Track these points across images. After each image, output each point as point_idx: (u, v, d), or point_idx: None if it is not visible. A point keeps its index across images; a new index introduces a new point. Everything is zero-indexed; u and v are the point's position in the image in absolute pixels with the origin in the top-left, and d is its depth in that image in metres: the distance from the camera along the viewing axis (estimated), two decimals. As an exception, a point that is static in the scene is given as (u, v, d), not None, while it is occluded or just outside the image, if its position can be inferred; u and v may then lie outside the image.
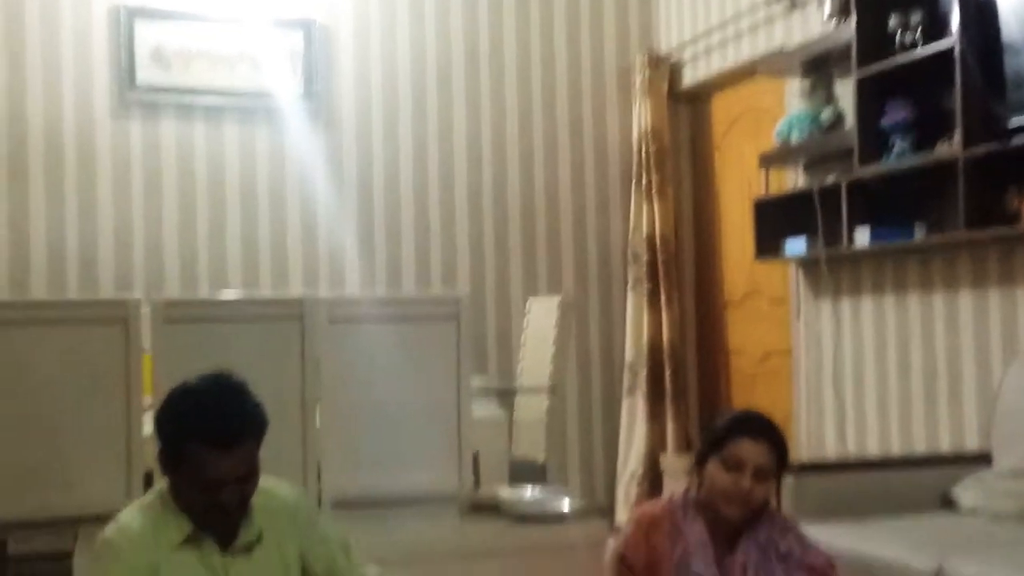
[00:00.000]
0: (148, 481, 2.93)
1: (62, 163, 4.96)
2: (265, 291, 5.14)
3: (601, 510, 5.11)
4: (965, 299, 3.90)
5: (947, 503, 3.28)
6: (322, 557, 2.20)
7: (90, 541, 2.25)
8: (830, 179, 4.25)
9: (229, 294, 4.84)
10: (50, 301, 4.34)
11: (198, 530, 2.03)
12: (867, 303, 4.38)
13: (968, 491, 3.25)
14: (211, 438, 1.97)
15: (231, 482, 2.00)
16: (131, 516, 2.05)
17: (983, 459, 3.34)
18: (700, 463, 2.37)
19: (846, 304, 4.50)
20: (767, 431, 2.33)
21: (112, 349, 3.03)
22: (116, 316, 3.06)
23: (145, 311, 3.11)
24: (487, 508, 3.14)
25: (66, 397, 3.02)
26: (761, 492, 2.30)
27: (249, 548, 2.08)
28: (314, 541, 2.20)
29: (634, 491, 5.39)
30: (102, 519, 2.09)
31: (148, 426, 3.00)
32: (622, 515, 5.27)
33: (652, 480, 5.37)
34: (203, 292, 5.04)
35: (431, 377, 3.32)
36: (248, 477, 2.03)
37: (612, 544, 2.48)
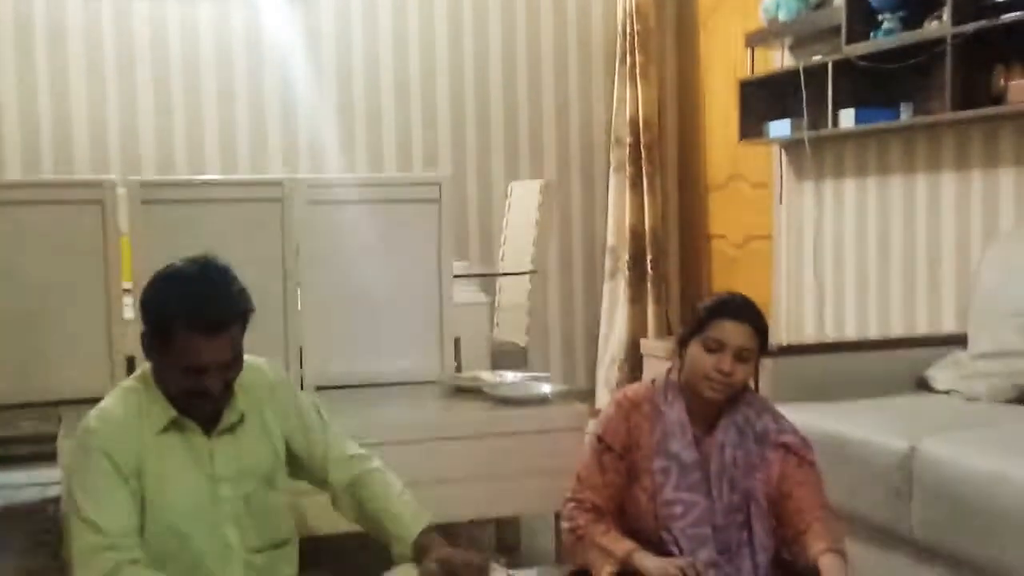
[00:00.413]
0: (130, 365, 2.93)
1: (32, 43, 4.84)
2: (243, 174, 5.08)
3: (582, 393, 5.18)
4: (948, 181, 3.89)
5: (922, 385, 3.33)
6: (302, 435, 2.22)
7: (73, 424, 2.26)
8: (816, 58, 4.19)
9: (208, 176, 4.78)
10: (24, 182, 4.28)
11: (181, 415, 2.04)
12: (850, 186, 4.37)
13: (943, 372, 3.29)
14: (197, 323, 1.95)
15: (215, 367, 1.99)
16: (113, 402, 2.05)
17: (959, 341, 3.38)
18: (682, 345, 2.39)
19: (829, 187, 4.49)
20: (748, 313, 2.33)
21: (89, 231, 3.00)
22: (92, 197, 3.01)
23: (121, 193, 3.07)
24: (468, 392, 3.16)
25: (44, 280, 3.00)
26: (742, 373, 2.32)
27: (232, 429, 2.10)
28: (294, 419, 2.22)
29: (615, 375, 5.45)
30: (85, 403, 2.09)
31: (128, 310, 3.00)
32: (603, 398, 5.34)
33: (633, 364, 5.43)
34: (180, 175, 4.98)
35: (413, 260, 3.32)
36: (232, 363, 2.03)
37: (592, 426, 2.50)
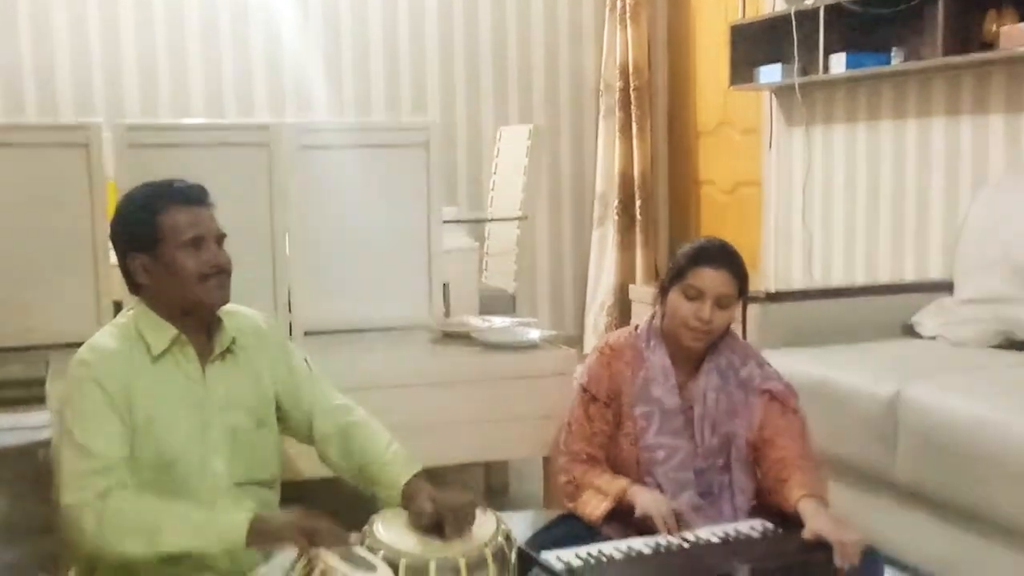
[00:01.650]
0: (117, 310, 2.92)
1: (13, -17, 4.77)
2: (229, 119, 5.04)
3: (570, 339, 5.20)
4: (938, 127, 3.89)
5: (908, 331, 3.35)
6: (292, 387, 2.23)
7: (61, 367, 2.26)
8: (808, 3, 4.16)
9: (195, 120, 4.74)
10: (8, 124, 4.23)
11: (179, 335, 2.06)
12: (839, 132, 4.36)
13: (929, 318, 3.31)
14: (178, 197, 2.05)
15: (213, 239, 2.06)
16: (105, 337, 2.07)
17: (945, 287, 3.40)
18: (663, 292, 2.39)
19: (819, 133, 4.48)
20: (727, 259, 2.32)
21: (74, 175, 2.97)
22: (77, 140, 2.98)
23: (107, 136, 3.04)
24: (457, 337, 3.16)
25: (29, 224, 2.98)
26: (722, 320, 2.32)
27: (223, 358, 2.13)
28: (284, 371, 2.23)
29: (603, 321, 5.47)
30: (73, 347, 2.09)
31: (115, 255, 2.99)
32: (591, 344, 5.36)
33: (621, 310, 5.45)
34: (164, 119, 4.93)
35: (401, 206, 3.30)
36: (222, 240, 2.09)
37: (580, 369, 2.51)
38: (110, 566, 2.04)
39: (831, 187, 4.42)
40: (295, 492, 2.30)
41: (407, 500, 2.13)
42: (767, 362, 2.43)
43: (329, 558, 1.89)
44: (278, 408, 2.23)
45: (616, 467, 2.38)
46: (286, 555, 2.01)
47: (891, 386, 2.72)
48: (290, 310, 3.18)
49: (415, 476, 2.16)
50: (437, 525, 2.09)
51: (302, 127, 3.36)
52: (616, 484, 2.29)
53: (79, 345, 2.07)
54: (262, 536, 1.93)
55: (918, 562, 2.67)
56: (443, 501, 2.09)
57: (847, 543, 2.02)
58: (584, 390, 2.40)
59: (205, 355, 2.11)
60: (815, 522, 2.08)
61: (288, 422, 2.25)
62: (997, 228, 3.26)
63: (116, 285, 2.82)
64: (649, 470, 2.32)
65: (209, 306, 2.09)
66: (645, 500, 2.22)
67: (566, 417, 2.46)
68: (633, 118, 5.46)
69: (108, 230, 2.97)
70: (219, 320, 2.13)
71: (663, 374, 2.36)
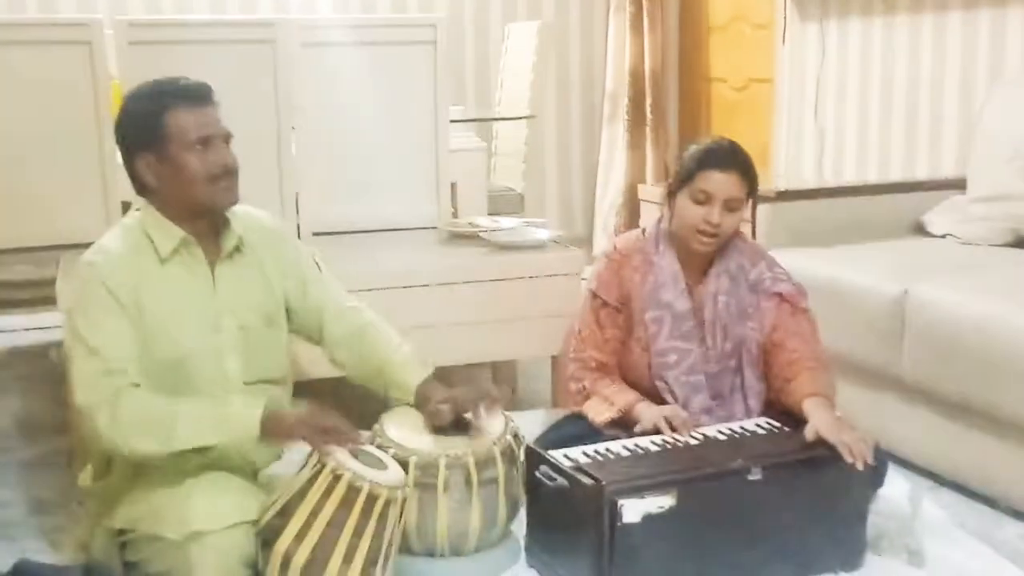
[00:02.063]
0: (125, 211, 2.92)
1: None
2: (232, 15, 4.95)
3: (579, 239, 5.18)
4: (954, 21, 3.80)
5: (919, 229, 3.33)
6: (300, 287, 2.24)
7: (72, 268, 2.26)
8: None
9: (198, 16, 4.66)
10: (7, 22, 4.16)
11: (186, 237, 2.06)
12: (854, 26, 4.27)
13: (940, 217, 3.29)
14: (188, 95, 2.02)
15: (219, 139, 2.05)
16: (112, 237, 2.07)
17: (958, 185, 3.36)
18: (670, 196, 2.36)
19: (833, 28, 4.39)
20: (736, 161, 2.28)
21: (77, 73, 2.94)
22: (79, 38, 2.94)
23: (109, 34, 2.99)
24: (465, 237, 3.16)
25: (34, 124, 2.96)
26: (731, 223, 2.29)
27: (232, 257, 2.13)
28: (292, 270, 2.23)
29: (612, 220, 5.44)
30: (83, 247, 2.09)
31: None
32: (600, 244, 5.35)
33: (631, 210, 5.42)
34: (166, 15, 4.85)
35: (408, 104, 3.27)
36: (230, 140, 2.07)
37: (589, 274, 2.50)
38: (125, 463, 2.07)
39: (844, 84, 4.35)
40: (306, 392, 2.33)
41: (421, 401, 2.15)
42: (777, 263, 2.42)
43: (340, 456, 1.92)
44: (287, 307, 2.23)
45: (627, 372, 2.38)
46: (298, 453, 2.05)
47: (899, 285, 2.72)
48: (297, 211, 3.17)
49: (429, 379, 2.18)
50: (453, 424, 2.13)
51: (306, 24, 3.30)
52: (624, 397, 2.30)
53: (89, 245, 2.08)
54: (274, 431, 1.96)
55: (922, 460, 2.70)
56: (460, 397, 2.12)
57: (846, 443, 2.03)
58: (595, 296, 2.39)
59: (213, 256, 2.11)
60: (816, 422, 2.09)
61: (297, 321, 2.26)
62: (1011, 124, 3.21)
63: (124, 184, 2.81)
64: (660, 374, 2.33)
65: (218, 208, 2.08)
66: (646, 416, 2.22)
67: (576, 324, 2.46)
68: (644, 12, 5.35)
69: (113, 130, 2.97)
70: (227, 220, 2.12)
71: (672, 278, 2.35)
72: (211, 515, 1.89)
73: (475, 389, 2.16)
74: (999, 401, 2.43)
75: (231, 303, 2.11)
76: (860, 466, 2.02)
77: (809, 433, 2.08)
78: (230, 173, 2.06)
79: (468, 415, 2.12)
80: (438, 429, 2.13)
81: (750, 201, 2.37)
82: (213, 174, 2.03)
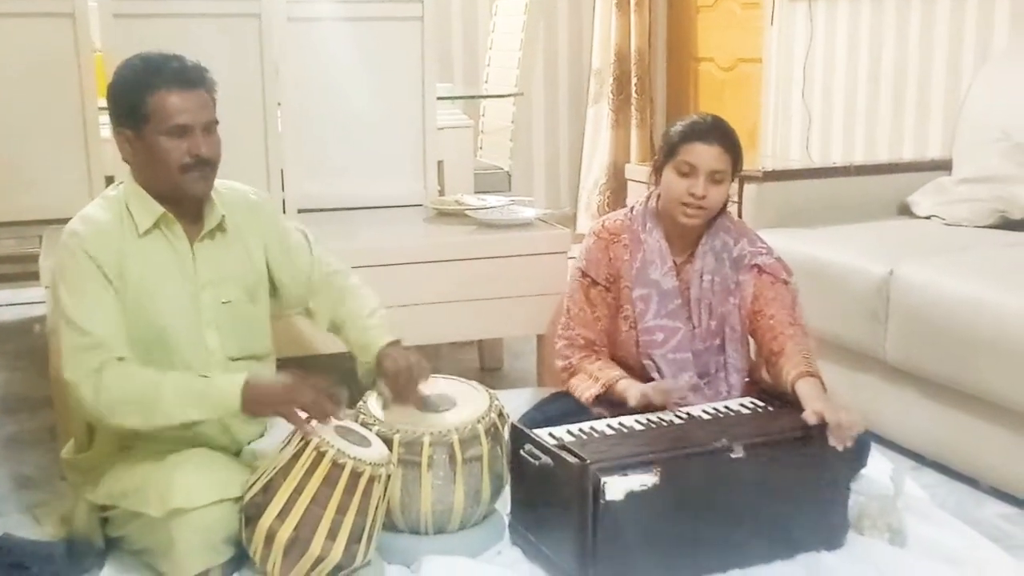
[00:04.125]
0: (109, 185, 2.90)
1: None
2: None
3: (565, 217, 5.18)
4: (942, 2, 3.79)
5: (905, 210, 3.34)
6: (284, 258, 2.23)
7: (54, 244, 2.25)
8: None
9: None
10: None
11: (165, 214, 2.05)
12: (843, 6, 4.26)
13: (925, 198, 3.29)
14: (169, 78, 1.99)
15: (200, 128, 2.01)
16: (95, 208, 2.07)
17: (944, 166, 3.37)
18: (657, 172, 2.37)
19: (821, 8, 4.38)
20: (719, 134, 2.30)
21: (60, 46, 2.91)
22: (62, 10, 2.90)
23: (93, 6, 2.96)
24: (452, 215, 3.15)
25: (17, 98, 2.93)
26: (716, 196, 2.30)
27: (213, 235, 2.12)
28: (276, 242, 2.22)
29: (597, 199, 5.44)
30: (65, 222, 2.08)
31: (105, 129, 2.95)
32: (585, 223, 5.34)
33: (616, 189, 5.41)
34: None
35: (395, 81, 3.25)
36: (213, 128, 2.04)
37: (576, 253, 2.50)
38: (107, 436, 2.07)
39: (832, 64, 4.34)
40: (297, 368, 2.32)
41: (378, 365, 2.16)
42: (760, 239, 2.42)
43: (324, 432, 1.92)
44: (272, 278, 2.23)
45: (616, 350, 2.39)
46: (281, 430, 2.04)
47: (884, 265, 2.72)
48: (283, 188, 3.15)
49: (393, 342, 2.18)
50: (437, 400, 2.14)
51: (293, -3, 3.28)
52: (608, 372, 2.31)
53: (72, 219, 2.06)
54: (256, 401, 1.95)
55: (905, 440, 2.71)
56: (395, 375, 2.12)
57: (845, 425, 2.04)
58: (584, 275, 2.40)
59: (193, 233, 2.10)
60: (816, 403, 2.09)
61: (282, 294, 2.26)
62: (996, 105, 3.22)
63: (108, 159, 2.79)
64: (648, 352, 2.34)
65: (187, 196, 2.06)
66: (630, 393, 2.22)
67: (564, 302, 2.46)
68: (631, -9, 5.33)
69: (97, 103, 2.96)
70: (210, 199, 2.11)
71: (660, 256, 2.35)
72: (193, 492, 1.89)
73: (400, 358, 2.15)
74: (982, 381, 2.45)
75: (211, 279, 2.10)
76: (841, 448, 2.03)
77: (809, 416, 2.07)
78: (204, 163, 2.03)
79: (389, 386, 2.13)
80: (425, 406, 2.14)
81: (736, 177, 2.37)
82: (184, 163, 2.01)
